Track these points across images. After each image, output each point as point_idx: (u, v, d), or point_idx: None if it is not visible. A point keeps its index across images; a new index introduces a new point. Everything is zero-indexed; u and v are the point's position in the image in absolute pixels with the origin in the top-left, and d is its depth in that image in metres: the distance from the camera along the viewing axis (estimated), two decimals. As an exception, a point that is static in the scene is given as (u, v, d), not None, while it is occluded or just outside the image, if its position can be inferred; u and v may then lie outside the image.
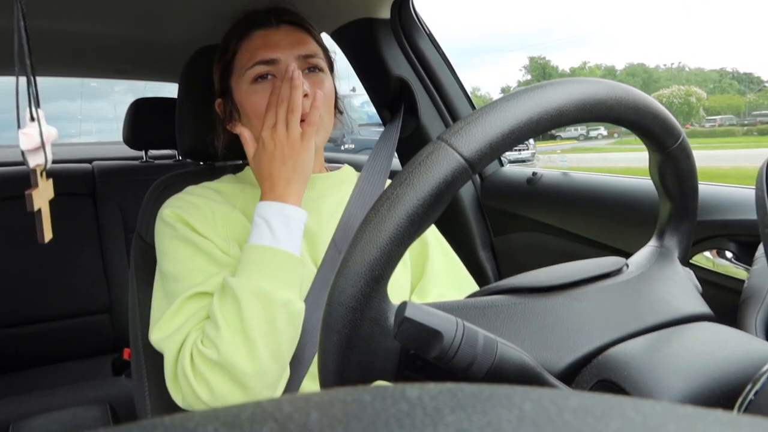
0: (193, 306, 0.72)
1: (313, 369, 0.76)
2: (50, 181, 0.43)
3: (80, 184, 1.82)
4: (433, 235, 0.93)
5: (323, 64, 0.84)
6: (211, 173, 0.94)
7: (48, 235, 0.41)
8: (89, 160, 1.96)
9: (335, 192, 0.88)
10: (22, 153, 0.39)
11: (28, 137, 0.38)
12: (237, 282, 0.68)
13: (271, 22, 0.82)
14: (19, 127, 0.38)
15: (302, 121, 0.76)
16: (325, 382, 0.41)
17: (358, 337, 0.38)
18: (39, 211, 0.41)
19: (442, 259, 0.91)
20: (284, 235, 0.72)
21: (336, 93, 0.89)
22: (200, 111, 0.94)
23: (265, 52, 0.80)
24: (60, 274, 1.74)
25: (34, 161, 0.40)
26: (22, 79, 0.38)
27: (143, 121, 1.75)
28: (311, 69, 0.82)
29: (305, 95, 0.77)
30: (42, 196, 0.41)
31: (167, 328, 0.71)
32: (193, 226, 0.76)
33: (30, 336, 1.72)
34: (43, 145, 0.39)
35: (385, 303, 0.39)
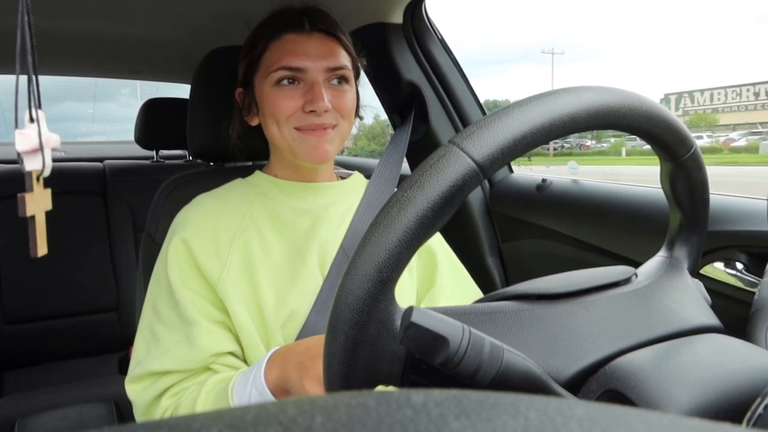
0: (171, 379, 0.74)
1: None
2: (48, 190, 0.39)
3: (91, 182, 1.84)
4: (440, 245, 0.93)
5: (350, 74, 0.83)
6: (221, 174, 0.94)
7: (42, 249, 0.39)
8: (101, 159, 1.98)
9: (345, 200, 0.89)
10: (18, 155, 0.37)
11: (25, 138, 0.36)
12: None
13: (305, 27, 0.80)
14: (16, 127, 0.36)
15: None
16: (329, 385, 0.41)
17: (364, 340, 0.38)
18: (33, 219, 0.38)
19: (450, 270, 0.91)
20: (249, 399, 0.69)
21: (358, 100, 0.89)
22: (212, 112, 0.95)
23: (292, 59, 0.79)
24: (68, 272, 1.75)
25: (31, 165, 0.37)
26: (24, 78, 0.36)
27: (155, 122, 1.76)
28: (338, 80, 0.82)
29: (326, 111, 0.78)
30: (37, 203, 0.38)
31: (145, 385, 0.75)
32: (195, 259, 0.77)
33: (37, 333, 1.73)
34: (41, 149, 0.37)
35: (392, 306, 0.39)
